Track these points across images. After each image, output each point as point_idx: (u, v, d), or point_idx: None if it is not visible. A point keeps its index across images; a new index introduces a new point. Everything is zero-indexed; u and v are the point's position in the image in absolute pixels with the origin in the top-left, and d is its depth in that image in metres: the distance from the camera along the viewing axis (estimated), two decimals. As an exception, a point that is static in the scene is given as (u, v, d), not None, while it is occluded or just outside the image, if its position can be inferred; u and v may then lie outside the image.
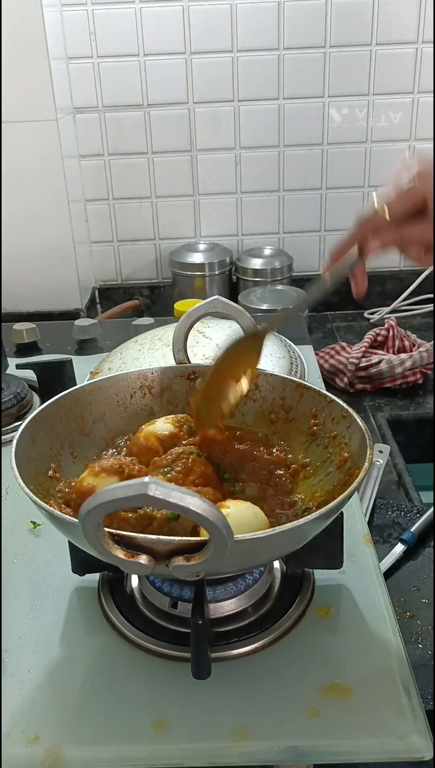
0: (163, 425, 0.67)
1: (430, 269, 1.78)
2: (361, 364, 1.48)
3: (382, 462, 1.18)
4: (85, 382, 0.73)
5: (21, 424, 0.63)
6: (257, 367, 0.69)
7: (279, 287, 1.80)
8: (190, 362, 0.75)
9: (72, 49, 1.69)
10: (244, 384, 0.67)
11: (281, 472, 0.67)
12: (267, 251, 1.88)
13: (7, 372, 1.04)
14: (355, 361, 1.48)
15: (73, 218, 1.67)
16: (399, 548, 0.99)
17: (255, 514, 0.58)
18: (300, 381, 0.72)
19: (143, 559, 0.48)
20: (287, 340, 1.04)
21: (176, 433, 0.66)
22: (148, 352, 0.96)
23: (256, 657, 0.60)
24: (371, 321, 1.84)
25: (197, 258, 1.83)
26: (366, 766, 0.60)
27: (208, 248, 1.86)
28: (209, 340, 0.97)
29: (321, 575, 0.67)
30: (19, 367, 1.02)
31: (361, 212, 0.64)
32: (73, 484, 0.64)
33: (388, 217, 0.62)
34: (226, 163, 1.82)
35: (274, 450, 0.69)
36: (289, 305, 1.68)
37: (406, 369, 1.47)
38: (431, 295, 1.83)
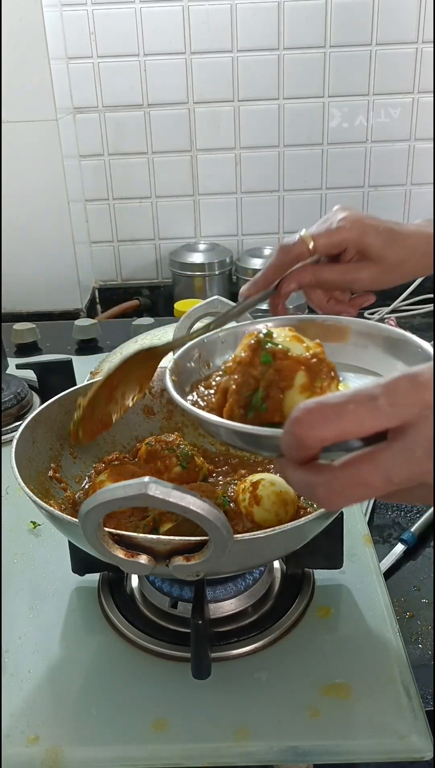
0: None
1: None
2: (361, 364, 1.48)
3: (382, 462, 1.18)
4: (85, 382, 0.73)
5: (21, 424, 0.63)
6: (148, 384, 0.65)
7: (279, 287, 1.80)
8: (190, 362, 0.75)
9: (72, 49, 1.69)
10: (128, 401, 0.63)
11: None
12: (267, 251, 1.87)
13: (7, 372, 1.04)
14: (355, 361, 1.48)
15: (73, 218, 1.67)
16: (399, 548, 0.98)
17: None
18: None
19: (143, 558, 0.48)
20: (287, 340, 1.04)
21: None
22: (148, 352, 0.96)
23: (256, 657, 0.59)
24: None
25: (197, 258, 1.82)
26: (366, 766, 0.60)
27: (208, 248, 1.85)
28: (209, 340, 0.96)
29: (321, 575, 0.67)
30: (19, 367, 1.02)
31: (284, 241, 0.67)
32: (84, 489, 0.64)
33: (311, 247, 0.65)
34: (226, 163, 1.82)
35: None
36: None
37: (406, 369, 1.46)
38: (431, 295, 1.83)
